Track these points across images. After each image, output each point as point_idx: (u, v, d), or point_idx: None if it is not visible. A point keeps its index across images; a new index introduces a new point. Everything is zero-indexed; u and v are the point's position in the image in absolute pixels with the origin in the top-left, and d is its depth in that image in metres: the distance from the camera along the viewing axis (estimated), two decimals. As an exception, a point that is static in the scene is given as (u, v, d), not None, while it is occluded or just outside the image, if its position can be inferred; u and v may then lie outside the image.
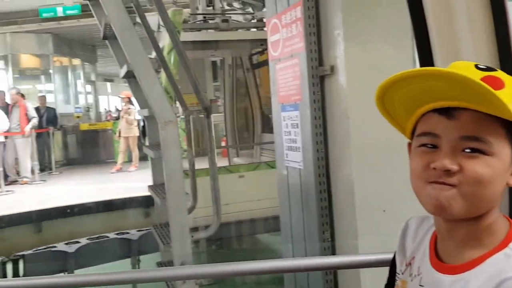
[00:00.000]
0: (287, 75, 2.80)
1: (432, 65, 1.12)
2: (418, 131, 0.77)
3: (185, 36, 4.31)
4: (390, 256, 0.91)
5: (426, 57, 1.14)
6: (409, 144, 0.81)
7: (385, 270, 0.93)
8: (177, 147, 2.29)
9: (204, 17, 5.42)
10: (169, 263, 2.55)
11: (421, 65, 1.17)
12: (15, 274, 4.07)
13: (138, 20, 2.44)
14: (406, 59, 2.13)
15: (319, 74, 2.47)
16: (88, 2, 2.34)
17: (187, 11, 5.44)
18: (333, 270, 2.46)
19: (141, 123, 8.67)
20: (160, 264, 2.85)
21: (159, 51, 2.68)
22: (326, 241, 2.55)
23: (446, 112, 0.72)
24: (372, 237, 2.18)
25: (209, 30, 5.19)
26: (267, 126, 6.16)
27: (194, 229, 2.86)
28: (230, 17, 5.37)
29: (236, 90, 6.48)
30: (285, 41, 2.78)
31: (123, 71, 2.48)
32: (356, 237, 2.25)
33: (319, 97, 2.49)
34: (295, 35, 2.64)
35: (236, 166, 4.92)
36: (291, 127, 2.83)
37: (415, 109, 0.77)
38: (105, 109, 17.37)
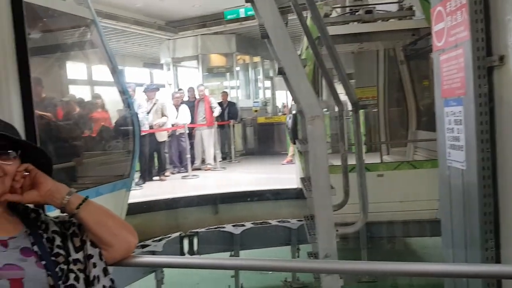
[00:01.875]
0: (450, 67, 2.60)
1: None
2: None
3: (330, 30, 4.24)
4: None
5: None
6: None
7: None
8: (323, 141, 2.33)
9: (351, 9, 5.28)
10: (317, 255, 2.61)
11: None
12: (190, 248, 4.64)
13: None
14: None
15: (487, 65, 2.24)
16: (250, 4, 2.53)
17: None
18: (496, 280, 2.24)
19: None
20: (310, 255, 2.94)
21: (314, 47, 2.73)
22: (489, 249, 2.31)
23: None
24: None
25: (354, 23, 5.04)
26: (423, 123, 5.71)
27: (344, 225, 2.86)
28: (375, 7, 5.10)
29: (389, 84, 6.15)
30: (450, 29, 2.57)
31: (277, 68, 2.62)
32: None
33: (486, 90, 2.25)
34: (460, 23, 2.42)
35: (375, 164, 4.68)
36: (454, 124, 2.62)
37: None
38: (283, 103, 18.31)
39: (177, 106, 9.17)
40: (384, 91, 6.34)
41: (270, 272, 5.02)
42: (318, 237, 2.39)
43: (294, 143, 4.28)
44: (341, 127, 3.29)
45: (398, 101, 6.27)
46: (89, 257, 1.29)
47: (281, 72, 2.44)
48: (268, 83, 15.27)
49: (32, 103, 1.63)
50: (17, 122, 1.58)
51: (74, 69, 5.59)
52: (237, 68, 13.67)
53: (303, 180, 3.13)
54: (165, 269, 4.00)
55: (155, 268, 3.78)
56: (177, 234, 4.60)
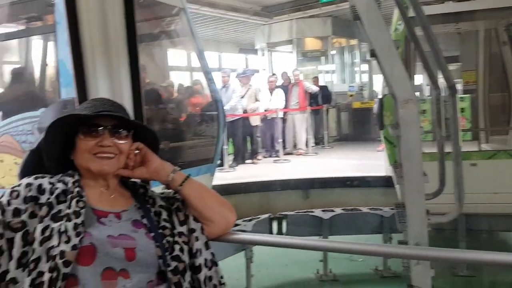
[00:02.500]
0: None
1: None
2: None
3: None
4: None
5: None
6: None
7: None
8: (416, 127, 2.23)
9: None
10: (407, 243, 2.53)
11: None
12: (279, 230, 4.73)
13: None
14: None
15: None
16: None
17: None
18: None
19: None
20: (400, 243, 2.85)
21: (410, 27, 2.59)
22: None
23: None
24: None
25: (450, 1, 4.61)
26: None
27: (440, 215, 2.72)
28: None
29: (490, 67, 5.59)
30: None
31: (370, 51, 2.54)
32: None
33: None
34: None
35: (468, 153, 4.30)
36: None
37: None
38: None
39: (271, 90, 9.26)
40: (484, 75, 5.84)
41: (361, 260, 4.95)
42: (408, 224, 2.32)
43: (381, 129, 4.15)
44: (437, 112, 3.11)
45: (500, 86, 5.74)
46: (191, 231, 1.37)
47: (373, 54, 2.37)
48: (365, 67, 14.80)
49: (140, 87, 1.74)
50: (127, 103, 1.69)
51: (170, 56, 5.90)
52: (333, 52, 13.41)
53: (394, 166, 3.03)
54: (254, 249, 4.13)
55: (246, 246, 3.92)
56: (266, 215, 4.71)
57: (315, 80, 11.26)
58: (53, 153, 1.34)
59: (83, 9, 1.65)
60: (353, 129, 11.90)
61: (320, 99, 10.60)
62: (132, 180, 1.45)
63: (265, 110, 9.05)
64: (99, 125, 1.31)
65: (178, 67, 6.45)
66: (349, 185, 6.23)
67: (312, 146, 9.82)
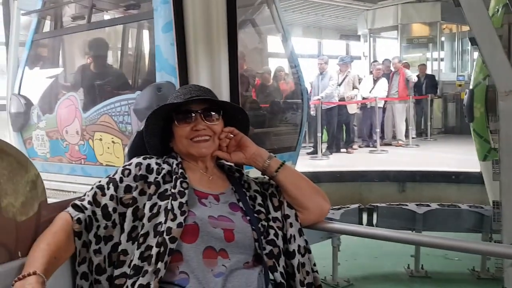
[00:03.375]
0: None
1: None
2: None
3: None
4: None
5: None
6: None
7: None
8: (517, 120, 2.06)
9: None
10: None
11: None
12: (368, 221, 4.63)
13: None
14: None
15: None
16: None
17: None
18: None
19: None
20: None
21: None
22: None
23: None
24: None
25: None
26: None
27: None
28: None
29: None
30: None
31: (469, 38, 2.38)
32: None
33: None
34: None
35: None
36: None
37: None
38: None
39: (376, 79, 8.95)
40: None
41: (457, 259, 4.69)
42: (503, 223, 2.17)
43: (471, 121, 3.85)
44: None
45: None
46: (286, 216, 1.40)
47: (473, 42, 2.23)
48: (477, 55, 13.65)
49: (237, 74, 1.81)
50: (225, 89, 1.78)
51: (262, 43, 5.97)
52: (442, 38, 12.57)
53: (494, 162, 2.82)
54: (343, 238, 4.10)
55: (333, 235, 3.92)
56: (356, 205, 4.63)
57: (422, 68, 10.67)
58: (154, 144, 1.45)
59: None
60: (460, 121, 11.11)
61: (424, 88, 10.06)
62: (228, 163, 1.52)
63: (363, 98, 8.82)
64: (191, 111, 1.38)
65: (271, 54, 6.54)
66: (450, 180, 5.88)
67: (413, 138, 9.37)
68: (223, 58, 1.78)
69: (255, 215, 1.37)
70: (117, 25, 5.20)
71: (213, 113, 1.40)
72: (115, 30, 5.46)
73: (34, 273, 1.06)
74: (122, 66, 5.43)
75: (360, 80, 9.23)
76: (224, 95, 1.75)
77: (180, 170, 1.35)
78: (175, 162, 1.38)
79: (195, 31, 1.75)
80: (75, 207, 1.27)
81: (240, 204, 1.39)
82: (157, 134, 1.44)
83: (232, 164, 1.52)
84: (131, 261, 1.22)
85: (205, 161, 1.42)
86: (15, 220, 1.21)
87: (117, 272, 1.23)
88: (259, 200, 1.42)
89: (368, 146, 8.91)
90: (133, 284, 1.17)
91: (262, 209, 1.40)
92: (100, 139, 4.38)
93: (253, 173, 1.54)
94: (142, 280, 1.16)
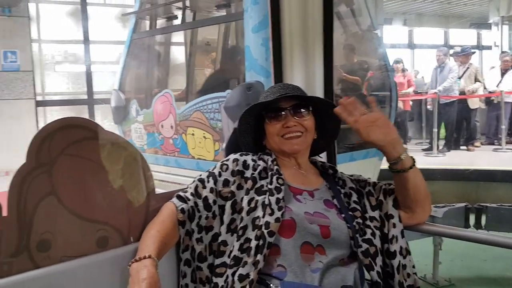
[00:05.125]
0: None
1: None
2: None
3: None
4: None
5: None
6: None
7: None
8: None
9: None
10: None
11: None
12: (477, 222, 4.35)
13: None
14: None
15: None
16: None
17: None
18: None
19: None
20: None
21: None
22: None
23: None
24: None
25: None
26: None
27: None
28: None
29: None
30: None
31: None
32: None
33: None
34: None
35: None
36: None
37: None
38: None
39: (504, 71, 8.18)
40: None
41: None
42: None
43: None
44: None
45: None
46: (389, 216, 1.38)
47: None
48: None
49: (332, 72, 1.80)
50: (318, 84, 1.79)
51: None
52: None
53: None
54: (448, 238, 3.91)
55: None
56: (462, 204, 4.37)
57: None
58: (247, 142, 1.50)
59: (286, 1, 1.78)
60: None
61: None
62: (321, 160, 1.54)
63: (489, 92, 8.17)
64: (281, 108, 1.41)
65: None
66: None
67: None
68: (317, 54, 1.78)
69: (350, 212, 1.37)
70: (208, 25, 5.40)
71: (303, 109, 1.42)
72: (207, 30, 5.68)
73: (149, 256, 1.16)
74: (214, 65, 5.63)
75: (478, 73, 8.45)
76: (318, 91, 1.76)
77: (275, 167, 1.39)
78: (270, 159, 1.42)
79: (290, 29, 1.78)
80: (179, 198, 1.35)
81: (335, 201, 1.39)
82: (250, 132, 1.49)
83: (325, 161, 1.53)
84: (231, 251, 1.29)
85: (297, 157, 1.45)
86: (128, 208, 1.34)
87: (217, 261, 1.30)
88: (354, 197, 1.42)
89: (492, 143, 8.19)
90: (233, 274, 1.24)
91: (358, 207, 1.39)
92: (193, 134, 4.60)
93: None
94: (242, 270, 1.22)
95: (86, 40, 10.69)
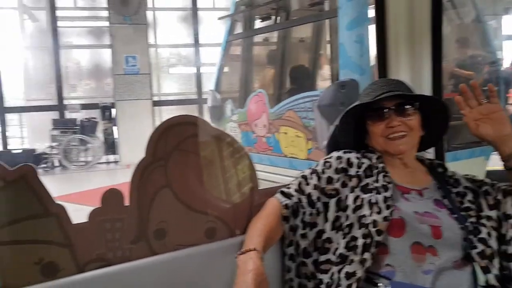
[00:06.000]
0: None
1: None
2: None
3: None
4: None
5: None
6: None
7: None
8: None
9: None
10: None
11: None
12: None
13: None
14: None
15: None
16: None
17: None
18: None
19: None
20: None
21: None
22: None
23: None
24: None
25: None
26: None
27: None
28: None
29: None
30: None
31: None
32: None
33: None
34: None
35: None
36: None
37: None
38: None
39: None
40: None
41: None
42: None
43: None
44: None
45: None
46: (507, 217, 1.29)
47: None
48: None
49: (441, 68, 1.71)
50: (426, 81, 1.70)
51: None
52: None
53: None
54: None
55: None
56: None
57: None
58: (348, 142, 1.46)
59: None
60: None
61: None
62: (429, 158, 1.48)
63: None
64: (383, 107, 1.33)
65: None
66: None
67: None
68: (425, 48, 1.69)
69: (463, 212, 1.30)
70: (302, 24, 5.42)
71: (408, 107, 1.34)
72: (300, 29, 5.70)
73: (254, 249, 1.19)
74: (308, 63, 5.65)
75: None
76: (425, 87, 1.67)
77: (381, 165, 1.35)
78: (374, 156, 1.38)
79: (396, 21, 1.71)
80: (283, 193, 1.37)
81: (445, 201, 1.33)
82: (350, 133, 1.45)
83: (433, 158, 1.46)
84: (336, 249, 1.28)
85: (403, 158, 1.38)
86: (234, 202, 1.39)
87: (322, 258, 1.31)
88: (469, 197, 1.34)
89: None
90: (339, 271, 1.23)
91: (473, 206, 1.31)
92: (285, 133, 4.65)
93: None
94: (348, 268, 1.21)
95: (196, 43, 11.31)
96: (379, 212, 1.24)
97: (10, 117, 10.88)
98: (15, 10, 11.62)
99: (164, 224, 1.28)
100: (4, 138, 10.50)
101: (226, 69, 6.15)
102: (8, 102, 10.61)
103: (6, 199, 1.10)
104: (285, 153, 4.69)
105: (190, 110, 10.62)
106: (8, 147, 10.52)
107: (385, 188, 1.29)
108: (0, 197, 1.09)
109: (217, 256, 1.32)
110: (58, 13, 10.74)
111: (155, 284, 1.22)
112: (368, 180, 1.33)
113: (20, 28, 11.58)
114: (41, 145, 10.29)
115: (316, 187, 1.35)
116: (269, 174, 4.59)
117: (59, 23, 10.69)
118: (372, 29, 3.86)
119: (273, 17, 5.57)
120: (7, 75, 10.53)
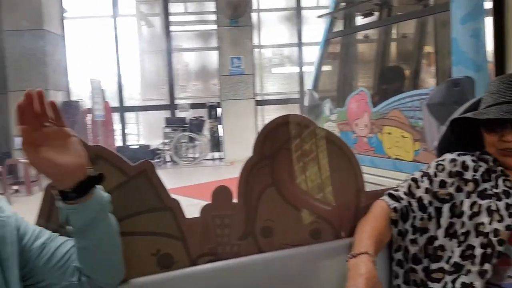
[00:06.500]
0: None
1: None
2: None
3: None
4: None
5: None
6: None
7: None
8: None
9: None
10: None
11: None
12: None
13: None
14: None
15: None
16: None
17: None
18: None
19: None
20: None
21: None
22: None
23: None
24: None
25: None
26: None
27: None
28: None
29: None
30: None
31: None
32: None
33: None
34: None
35: None
36: None
37: None
38: None
39: None
40: None
41: None
42: None
43: None
44: None
45: None
46: None
47: None
48: None
49: None
50: None
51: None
52: None
53: None
54: None
55: None
56: None
57: None
58: (457, 145, 1.36)
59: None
60: None
61: None
62: None
63: None
64: (498, 120, 1.22)
65: None
66: None
67: None
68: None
69: None
70: (410, 19, 5.17)
71: None
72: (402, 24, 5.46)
73: (365, 252, 1.16)
74: (415, 60, 5.39)
75: None
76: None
77: (499, 168, 1.25)
78: (491, 159, 1.28)
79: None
80: (391, 196, 1.32)
81: None
82: (460, 136, 1.36)
83: None
84: (449, 257, 1.21)
85: None
86: (339, 204, 1.37)
87: (433, 266, 1.24)
88: None
89: None
90: (453, 281, 1.17)
91: None
92: (389, 133, 4.48)
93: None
94: (465, 279, 1.14)
95: (299, 43, 11.45)
96: (500, 221, 1.15)
97: (129, 116, 11.89)
98: (134, 17, 12.65)
99: (270, 222, 1.31)
100: (124, 135, 11.53)
101: (324, 68, 6.09)
102: (127, 102, 11.62)
103: (129, 193, 1.19)
104: (389, 154, 4.51)
105: (292, 110, 10.73)
106: (127, 143, 11.53)
107: (507, 194, 1.19)
108: (124, 190, 1.19)
109: (323, 257, 1.31)
110: (171, 18, 11.49)
111: (263, 281, 1.25)
112: (486, 185, 1.24)
113: (138, 33, 12.58)
114: (155, 142, 11.10)
115: (427, 190, 1.29)
116: (371, 176, 4.45)
117: (172, 28, 11.43)
118: (489, 23, 3.58)
119: (376, 13, 5.39)
120: (126, 77, 11.53)
